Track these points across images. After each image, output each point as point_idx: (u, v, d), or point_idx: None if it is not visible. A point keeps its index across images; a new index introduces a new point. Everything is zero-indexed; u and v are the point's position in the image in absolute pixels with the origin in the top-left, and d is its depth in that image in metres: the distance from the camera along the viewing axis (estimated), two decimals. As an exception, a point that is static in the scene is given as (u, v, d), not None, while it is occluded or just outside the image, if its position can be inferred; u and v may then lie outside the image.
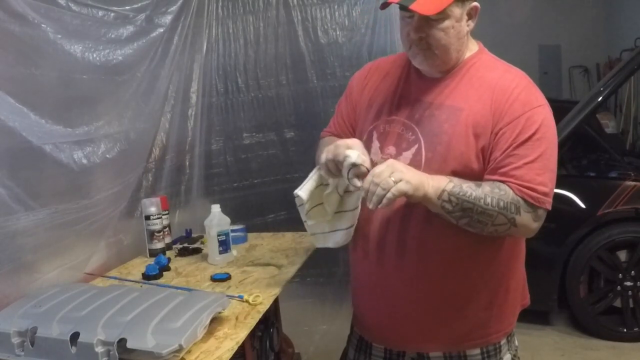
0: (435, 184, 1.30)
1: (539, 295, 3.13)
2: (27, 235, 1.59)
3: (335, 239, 1.55)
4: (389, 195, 1.26)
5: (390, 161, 1.32)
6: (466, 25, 1.39)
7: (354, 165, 1.34)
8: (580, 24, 7.84)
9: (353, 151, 1.35)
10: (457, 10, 1.34)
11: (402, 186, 1.26)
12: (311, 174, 1.50)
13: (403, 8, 1.33)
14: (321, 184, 1.50)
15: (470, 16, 1.39)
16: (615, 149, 3.94)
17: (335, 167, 1.39)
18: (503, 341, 1.51)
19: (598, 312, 3.28)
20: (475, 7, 1.38)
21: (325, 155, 1.41)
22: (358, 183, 1.35)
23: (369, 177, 1.30)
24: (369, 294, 1.54)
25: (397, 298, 1.47)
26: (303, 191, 1.47)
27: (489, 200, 1.30)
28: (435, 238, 1.40)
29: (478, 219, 1.32)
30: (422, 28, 1.35)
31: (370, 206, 1.29)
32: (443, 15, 1.33)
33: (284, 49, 2.91)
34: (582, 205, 3.22)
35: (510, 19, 7.50)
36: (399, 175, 1.27)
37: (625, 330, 3.23)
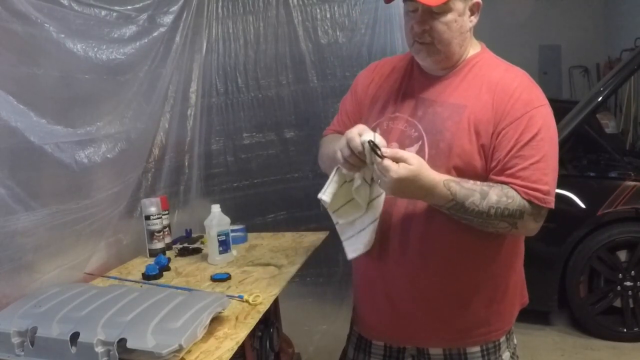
0: (434, 203, 1.33)
1: (539, 295, 3.13)
2: (27, 235, 1.59)
3: (367, 237, 1.47)
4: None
5: (402, 172, 1.26)
6: (469, 21, 1.40)
7: (376, 147, 1.30)
8: (580, 24, 7.84)
9: (368, 135, 1.32)
10: (459, 5, 1.36)
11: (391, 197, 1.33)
12: (332, 176, 1.45)
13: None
14: (345, 182, 1.45)
15: (472, 12, 1.41)
16: (615, 149, 3.94)
17: (357, 159, 1.35)
18: (502, 339, 1.51)
19: (598, 312, 3.28)
20: (477, 3, 1.40)
21: (340, 154, 1.37)
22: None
23: (378, 165, 1.29)
24: (370, 289, 1.55)
25: (397, 294, 1.48)
26: (326, 195, 1.43)
27: (492, 212, 1.31)
28: (437, 235, 1.41)
29: (479, 224, 1.35)
30: (426, 21, 1.36)
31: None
32: (445, 8, 1.34)
33: (284, 49, 2.91)
34: (582, 205, 3.21)
35: (510, 19, 7.49)
36: (396, 192, 1.30)
37: (625, 330, 3.23)
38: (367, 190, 1.45)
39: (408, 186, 1.28)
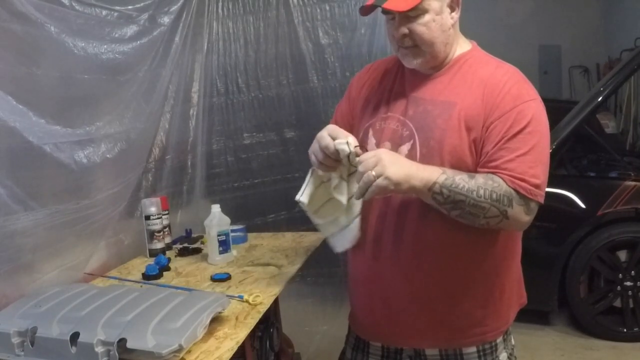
0: (425, 176, 1.30)
1: (539, 295, 3.14)
2: (26, 235, 1.59)
3: (352, 234, 1.50)
4: (370, 189, 1.28)
5: (380, 152, 1.31)
6: (450, 18, 1.40)
7: (350, 154, 1.36)
8: (580, 24, 7.83)
9: (341, 142, 1.36)
10: (435, 4, 1.36)
11: (380, 182, 1.27)
12: (308, 176, 1.49)
13: (383, 11, 1.36)
14: (322, 182, 1.50)
15: (452, 8, 1.40)
16: (615, 149, 3.94)
17: (333, 161, 1.40)
18: (499, 339, 1.51)
19: (598, 312, 3.29)
20: None
21: (314, 157, 1.43)
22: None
23: (363, 161, 1.31)
24: (365, 289, 1.55)
25: (392, 293, 1.48)
26: (304, 196, 1.47)
27: (481, 192, 1.30)
28: (431, 233, 1.40)
29: (470, 211, 1.32)
30: (404, 25, 1.37)
31: (355, 197, 1.34)
32: (421, 10, 1.35)
33: (284, 49, 2.91)
34: (582, 205, 3.21)
35: (510, 19, 7.50)
36: (380, 169, 1.27)
37: (625, 330, 3.23)
38: (345, 186, 1.48)
39: (395, 160, 1.29)
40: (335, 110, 1.70)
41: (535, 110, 1.36)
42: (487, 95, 1.36)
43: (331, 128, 1.41)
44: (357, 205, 1.48)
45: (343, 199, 1.48)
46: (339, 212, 1.50)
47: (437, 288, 1.44)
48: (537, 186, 1.33)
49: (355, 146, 1.36)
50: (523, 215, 1.34)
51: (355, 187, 1.46)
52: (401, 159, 1.33)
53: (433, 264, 1.42)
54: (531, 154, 1.32)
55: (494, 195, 1.30)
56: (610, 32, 7.81)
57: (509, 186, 1.31)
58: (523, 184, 1.31)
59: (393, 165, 1.28)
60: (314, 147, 1.42)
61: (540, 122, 1.36)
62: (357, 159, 1.33)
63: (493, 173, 1.33)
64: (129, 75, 2.07)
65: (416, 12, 1.34)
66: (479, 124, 1.35)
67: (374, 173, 1.27)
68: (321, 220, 1.51)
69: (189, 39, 2.56)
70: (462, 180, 1.31)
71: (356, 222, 1.49)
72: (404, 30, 1.37)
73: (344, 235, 1.51)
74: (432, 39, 1.37)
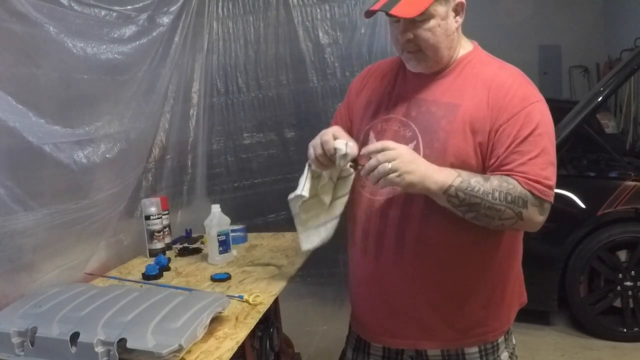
0: (441, 179, 1.30)
1: (539, 295, 3.14)
2: (26, 235, 1.59)
3: (326, 233, 1.58)
4: (380, 182, 1.30)
5: (401, 148, 1.32)
6: (454, 22, 1.40)
7: (345, 156, 1.41)
8: (580, 24, 7.83)
9: (341, 141, 1.42)
10: (441, 9, 1.35)
11: (394, 178, 1.29)
12: (305, 172, 1.53)
13: (386, 14, 1.36)
14: (313, 178, 1.55)
15: (457, 12, 1.40)
16: (615, 149, 3.94)
17: (327, 160, 1.45)
18: (500, 339, 1.51)
19: (598, 312, 3.29)
20: (461, 2, 1.40)
21: (313, 151, 1.48)
22: (352, 170, 1.45)
23: (372, 151, 1.32)
24: (367, 290, 1.54)
25: (394, 294, 1.47)
26: (305, 190, 1.51)
27: (497, 194, 1.30)
28: (433, 234, 1.40)
29: (485, 214, 1.33)
30: (409, 30, 1.37)
31: (372, 182, 1.33)
32: (427, 15, 1.34)
33: (284, 49, 2.91)
34: (582, 205, 3.22)
35: (510, 19, 7.49)
36: (397, 165, 1.28)
37: (625, 330, 3.23)
38: (330, 187, 1.55)
39: (414, 159, 1.31)
40: (335, 112, 1.71)
41: (541, 111, 1.36)
42: (492, 98, 1.36)
43: (337, 129, 1.46)
44: (338, 207, 1.54)
45: (326, 199, 1.52)
46: (320, 210, 1.56)
47: (439, 289, 1.44)
48: (550, 187, 1.34)
49: (352, 160, 1.41)
50: (537, 216, 1.35)
51: (340, 191, 1.55)
52: (419, 159, 1.33)
53: (434, 266, 1.42)
54: (542, 156, 1.33)
55: (509, 198, 1.31)
56: (610, 32, 7.81)
57: (524, 188, 1.31)
58: (538, 185, 1.32)
59: (411, 164, 1.29)
60: (315, 141, 1.48)
61: (547, 123, 1.37)
62: (375, 145, 1.34)
63: (507, 176, 1.33)
64: (129, 75, 2.07)
65: (422, 17, 1.34)
66: (485, 126, 1.35)
67: (389, 166, 1.28)
68: (304, 215, 1.56)
69: (189, 39, 2.56)
70: (477, 183, 1.31)
71: (333, 224, 1.55)
72: (409, 35, 1.37)
73: (318, 232, 1.57)
74: (436, 44, 1.37)
